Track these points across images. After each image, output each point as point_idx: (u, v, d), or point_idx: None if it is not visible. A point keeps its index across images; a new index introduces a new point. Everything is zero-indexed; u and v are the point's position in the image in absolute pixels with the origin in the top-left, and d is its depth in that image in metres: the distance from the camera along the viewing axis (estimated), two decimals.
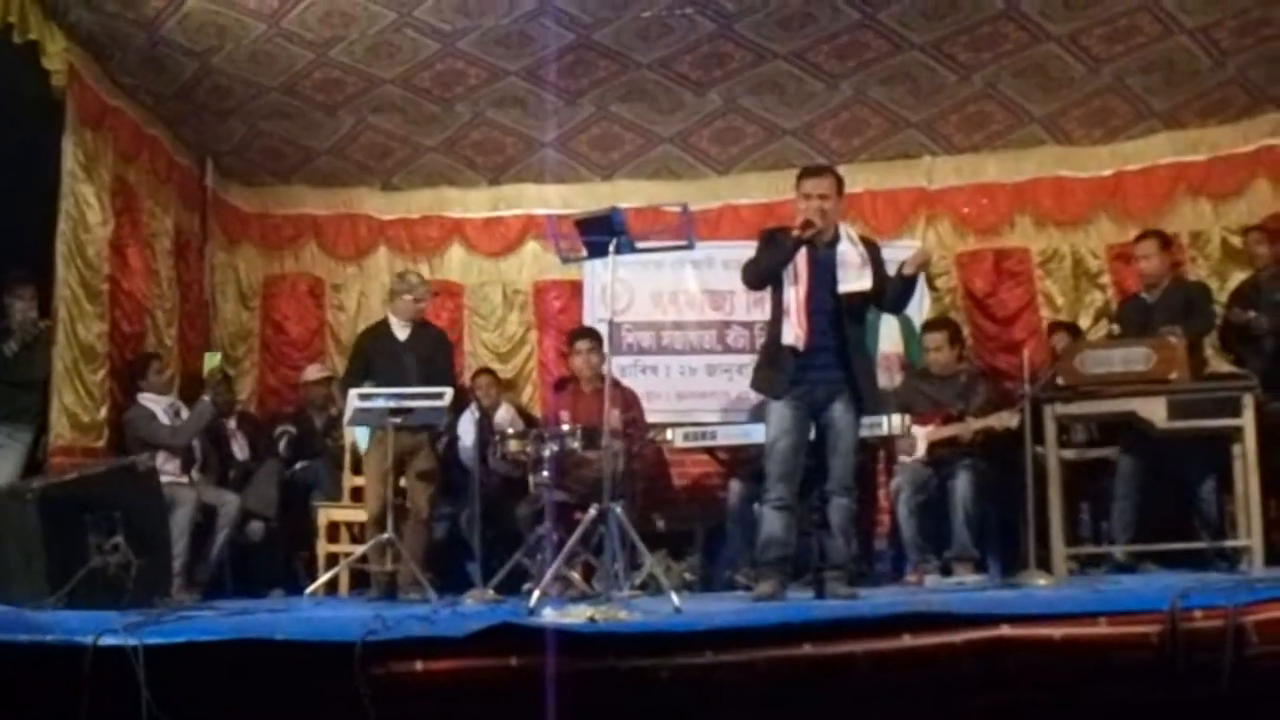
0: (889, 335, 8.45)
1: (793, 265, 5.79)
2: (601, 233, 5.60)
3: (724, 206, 9.40)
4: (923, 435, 7.34)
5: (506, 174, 9.53)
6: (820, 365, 5.79)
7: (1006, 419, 7.04)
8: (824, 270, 5.81)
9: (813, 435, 5.87)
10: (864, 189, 9.03)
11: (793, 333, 5.76)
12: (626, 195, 8.83)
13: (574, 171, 9.42)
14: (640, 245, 5.76)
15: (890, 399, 7.36)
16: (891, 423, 7.06)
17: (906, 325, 8.46)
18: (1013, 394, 7.17)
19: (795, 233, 5.75)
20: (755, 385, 6.22)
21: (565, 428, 7.01)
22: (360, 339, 7.96)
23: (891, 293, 5.97)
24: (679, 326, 9.18)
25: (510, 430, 7.48)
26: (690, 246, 5.90)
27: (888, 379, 8.07)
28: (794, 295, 5.78)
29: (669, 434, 7.92)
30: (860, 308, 5.98)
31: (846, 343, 5.83)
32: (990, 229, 9.20)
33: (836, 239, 5.88)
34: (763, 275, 5.95)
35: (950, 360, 7.68)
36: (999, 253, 9.18)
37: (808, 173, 6.02)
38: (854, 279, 5.82)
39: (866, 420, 6.28)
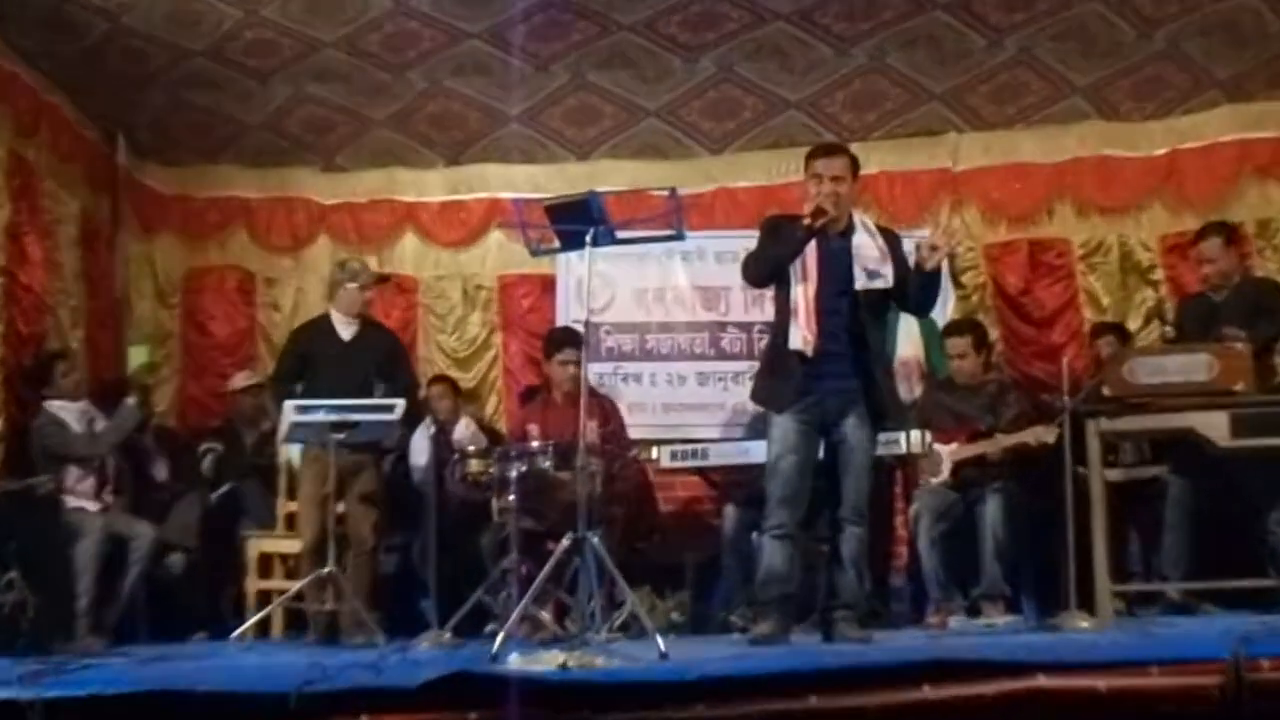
0: (908, 338, 8.43)
1: (801, 259, 5.79)
2: (577, 220, 5.60)
3: (718, 190, 9.42)
4: (946, 454, 7.36)
5: (467, 152, 9.52)
6: (832, 374, 5.79)
7: (1043, 435, 7.06)
8: (837, 265, 5.82)
9: (821, 454, 5.87)
10: (879, 170, 9.04)
11: (800, 336, 5.76)
12: (606, 177, 8.86)
13: (545, 150, 9.42)
14: (621, 235, 5.76)
15: (909, 413, 7.36)
16: (910, 440, 7.07)
17: (928, 327, 8.45)
18: (1050, 406, 7.17)
19: (805, 221, 5.74)
20: (756, 396, 6.23)
21: (534, 444, 7.04)
22: (295, 335, 7.96)
23: (913, 291, 5.96)
24: (666, 329, 9.21)
25: (471, 448, 7.48)
26: (679, 236, 5.92)
27: (906, 389, 8.08)
28: (802, 294, 5.77)
29: (654, 452, 7.96)
30: (880, 307, 5.98)
31: (864, 348, 5.83)
32: (1025, 217, 9.22)
33: (851, 229, 5.88)
34: (767, 270, 5.96)
35: (976, 368, 7.70)
36: (1035, 244, 9.19)
37: (819, 152, 6.03)
38: (872, 275, 5.82)
39: (882, 437, 6.28)
